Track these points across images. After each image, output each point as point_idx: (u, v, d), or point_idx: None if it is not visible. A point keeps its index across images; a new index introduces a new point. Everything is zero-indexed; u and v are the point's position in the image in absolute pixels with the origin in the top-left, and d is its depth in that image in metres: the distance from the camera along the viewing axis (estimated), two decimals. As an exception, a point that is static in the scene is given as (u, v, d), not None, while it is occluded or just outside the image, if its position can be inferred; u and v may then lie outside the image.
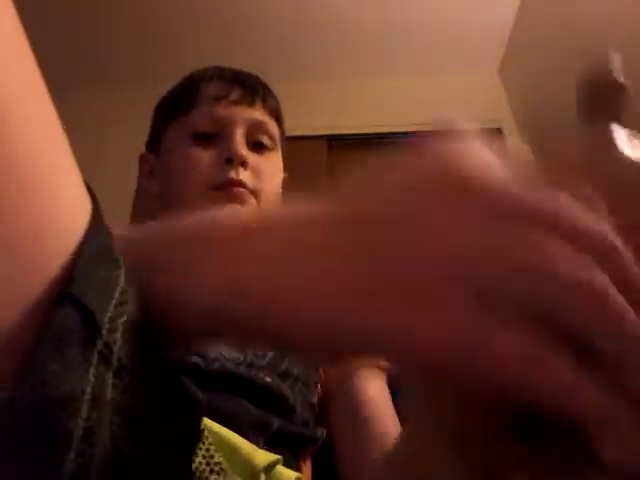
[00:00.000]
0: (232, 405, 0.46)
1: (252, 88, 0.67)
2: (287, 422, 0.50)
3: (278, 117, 0.70)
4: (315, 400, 0.58)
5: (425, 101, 2.42)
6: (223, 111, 0.64)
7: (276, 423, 0.48)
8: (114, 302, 0.18)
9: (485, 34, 2.37)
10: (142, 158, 0.73)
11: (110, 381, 0.17)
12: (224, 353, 0.50)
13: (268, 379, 0.51)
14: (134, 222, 2.06)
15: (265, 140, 0.67)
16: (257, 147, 0.66)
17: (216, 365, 0.48)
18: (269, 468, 0.39)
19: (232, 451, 0.39)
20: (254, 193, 0.62)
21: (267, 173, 0.65)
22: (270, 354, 0.54)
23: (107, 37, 2.31)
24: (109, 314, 0.18)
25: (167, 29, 2.29)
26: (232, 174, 0.61)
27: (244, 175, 0.62)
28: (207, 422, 0.40)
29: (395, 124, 2.36)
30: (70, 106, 2.45)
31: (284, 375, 0.53)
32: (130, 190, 2.19)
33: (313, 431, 0.54)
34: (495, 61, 2.52)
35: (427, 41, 2.38)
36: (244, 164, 0.62)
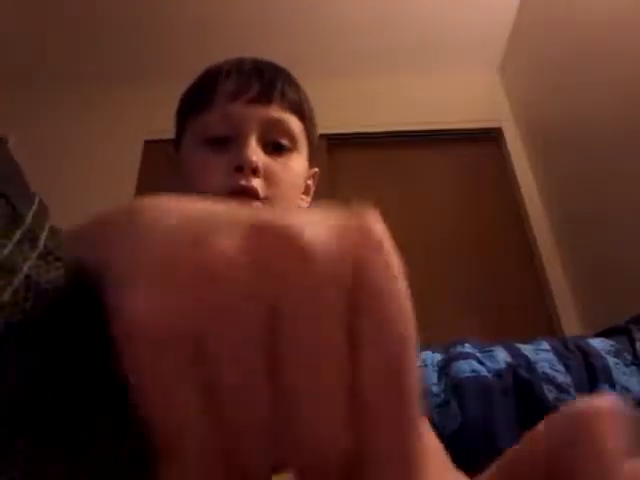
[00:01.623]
0: None
1: (270, 83, 0.63)
2: None
3: (300, 111, 0.66)
4: None
5: (425, 100, 2.42)
6: (237, 112, 0.61)
7: None
8: (35, 205, 0.21)
9: (485, 33, 2.37)
10: (170, 158, 0.70)
11: (33, 259, 0.19)
12: None
13: None
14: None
15: (283, 141, 0.63)
16: (276, 148, 0.63)
17: None
18: None
19: None
20: (267, 201, 0.60)
21: (282, 178, 0.62)
22: None
23: (107, 37, 2.30)
24: (33, 209, 0.20)
25: (167, 29, 2.29)
26: (242, 182, 0.58)
27: (256, 182, 0.59)
28: None
29: (395, 123, 2.37)
30: (70, 105, 2.46)
31: None
32: (131, 185, 2.19)
33: None
34: (495, 60, 2.52)
35: (427, 40, 2.38)
36: (255, 171, 0.59)
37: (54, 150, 2.28)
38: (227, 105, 0.62)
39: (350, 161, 2.32)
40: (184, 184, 0.65)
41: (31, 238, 0.19)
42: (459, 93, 2.45)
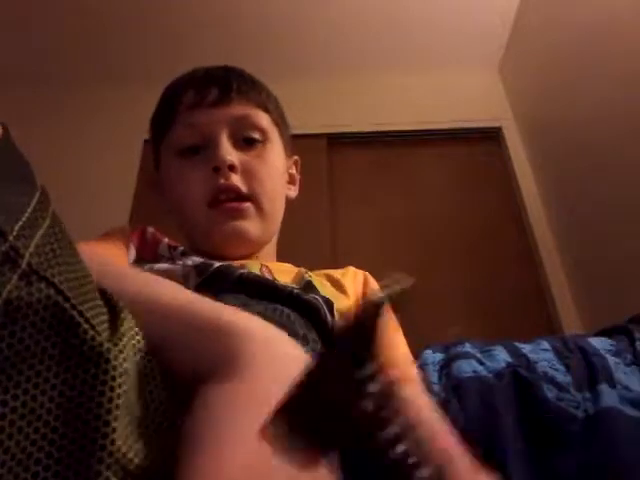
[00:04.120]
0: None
1: (226, 84, 0.65)
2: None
3: (263, 104, 0.67)
4: None
5: (425, 99, 2.42)
6: (200, 118, 0.63)
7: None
8: (25, 216, 0.20)
9: (485, 32, 2.37)
10: (153, 179, 0.72)
11: (13, 281, 0.18)
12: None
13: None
14: (135, 218, 2.05)
15: (255, 134, 0.65)
16: (249, 143, 0.64)
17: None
18: None
19: None
20: (251, 198, 0.62)
21: (260, 171, 0.64)
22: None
23: (108, 37, 2.30)
24: (19, 224, 0.19)
25: (168, 29, 2.29)
26: (222, 180, 0.60)
27: (235, 179, 0.61)
28: None
29: (395, 122, 2.36)
30: (71, 105, 2.46)
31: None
32: (131, 185, 2.19)
33: None
34: (495, 59, 2.52)
35: (427, 39, 2.37)
36: (232, 168, 0.61)
37: (54, 149, 2.27)
38: (190, 115, 0.63)
39: (350, 161, 2.32)
40: (170, 201, 0.67)
41: (12, 258, 0.18)
42: (459, 92, 2.44)
